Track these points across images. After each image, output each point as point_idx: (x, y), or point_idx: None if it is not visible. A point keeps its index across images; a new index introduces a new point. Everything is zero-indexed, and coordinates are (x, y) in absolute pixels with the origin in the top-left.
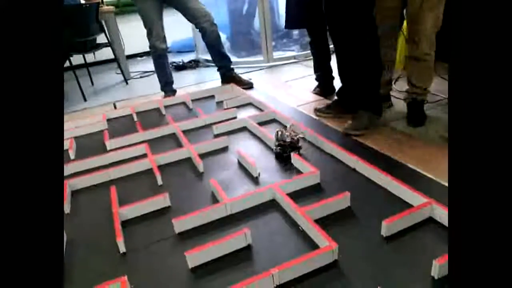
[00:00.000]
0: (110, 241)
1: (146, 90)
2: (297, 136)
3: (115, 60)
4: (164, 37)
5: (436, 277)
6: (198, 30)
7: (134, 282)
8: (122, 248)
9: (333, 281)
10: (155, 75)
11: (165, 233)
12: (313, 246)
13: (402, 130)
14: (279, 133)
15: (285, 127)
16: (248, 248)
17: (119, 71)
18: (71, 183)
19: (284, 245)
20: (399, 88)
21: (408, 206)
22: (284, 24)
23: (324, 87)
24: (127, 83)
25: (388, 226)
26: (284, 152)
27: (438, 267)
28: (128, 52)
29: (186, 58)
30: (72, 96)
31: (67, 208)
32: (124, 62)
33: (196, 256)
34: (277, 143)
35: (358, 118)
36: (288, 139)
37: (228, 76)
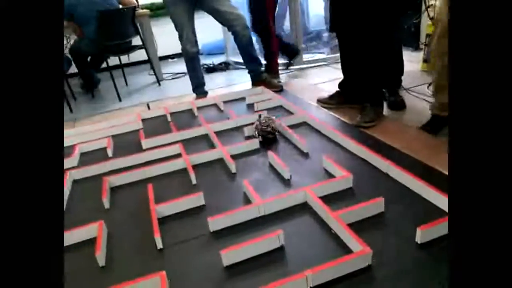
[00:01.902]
0: (147, 237)
1: (178, 91)
2: (273, 124)
3: (148, 61)
4: (196, 40)
5: None
6: (230, 33)
7: (170, 277)
8: (160, 245)
9: (366, 286)
10: (187, 77)
11: (200, 231)
12: (347, 250)
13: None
14: (258, 123)
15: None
16: (281, 249)
17: (152, 73)
18: (110, 180)
19: (316, 248)
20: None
21: (444, 213)
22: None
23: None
24: (159, 84)
25: (423, 233)
26: (266, 138)
27: None
28: (160, 54)
29: (217, 60)
30: (107, 96)
31: (106, 204)
32: (157, 64)
33: (231, 254)
34: (260, 132)
35: (365, 111)
36: (268, 128)
37: (259, 79)
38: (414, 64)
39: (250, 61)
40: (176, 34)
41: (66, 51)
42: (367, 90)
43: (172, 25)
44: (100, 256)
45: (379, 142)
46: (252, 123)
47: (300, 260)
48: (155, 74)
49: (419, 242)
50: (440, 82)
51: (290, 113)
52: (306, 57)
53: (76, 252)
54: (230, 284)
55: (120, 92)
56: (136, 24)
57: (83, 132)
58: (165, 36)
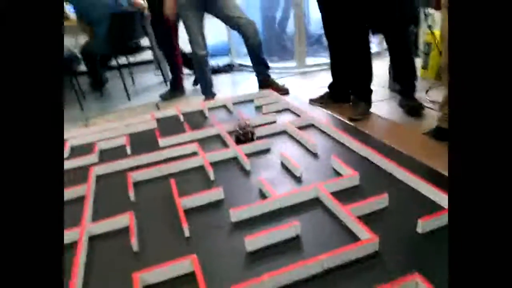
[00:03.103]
0: (175, 227)
1: (186, 92)
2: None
3: (152, 62)
4: (205, 44)
5: None
6: (241, 36)
7: (200, 261)
8: (187, 233)
9: (375, 267)
10: (193, 77)
11: (222, 222)
12: (356, 239)
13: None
14: (239, 125)
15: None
16: (297, 238)
17: (157, 73)
18: (133, 176)
19: (329, 238)
20: (431, 97)
21: (443, 209)
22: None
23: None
24: (166, 84)
25: (424, 224)
26: (245, 138)
27: None
28: None
29: (221, 61)
30: (116, 94)
31: (132, 197)
32: (164, 64)
33: (254, 241)
34: (241, 132)
35: (355, 106)
36: (248, 129)
37: (266, 82)
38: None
39: (258, 64)
40: (182, 36)
41: (76, 50)
42: (357, 89)
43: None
44: (134, 243)
45: (384, 144)
46: (262, 125)
47: (314, 248)
48: (162, 74)
49: (420, 232)
50: None
51: (297, 115)
52: (308, 60)
53: (109, 241)
54: (254, 266)
55: (128, 91)
56: (145, 26)
57: (100, 131)
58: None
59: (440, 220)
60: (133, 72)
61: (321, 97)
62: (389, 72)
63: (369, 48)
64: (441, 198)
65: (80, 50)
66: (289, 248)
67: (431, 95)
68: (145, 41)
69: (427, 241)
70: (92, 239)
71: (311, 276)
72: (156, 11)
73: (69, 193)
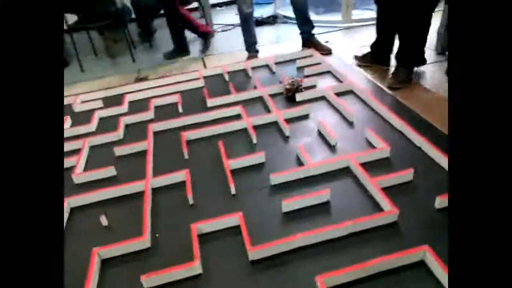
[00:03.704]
0: (222, 185)
1: (229, 46)
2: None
3: (197, 9)
4: (251, 1)
5: None
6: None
7: (244, 218)
8: (233, 191)
9: (392, 236)
10: (236, 30)
11: (263, 184)
12: (379, 208)
13: None
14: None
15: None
16: (327, 203)
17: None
18: (186, 135)
19: (354, 205)
20: None
21: None
22: None
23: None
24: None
25: (441, 200)
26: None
27: None
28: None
29: (265, 12)
30: (164, 46)
31: (186, 155)
32: (209, 15)
33: (289, 204)
34: (288, 87)
35: (396, 73)
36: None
37: (309, 41)
38: None
39: (303, 23)
40: None
41: (127, 1)
42: (403, 54)
43: None
44: (190, 197)
45: (420, 118)
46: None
47: (342, 213)
48: (206, 24)
49: (437, 207)
50: None
51: (338, 80)
52: (355, 14)
53: (169, 193)
54: (289, 225)
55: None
56: None
57: (154, 85)
58: None
59: None
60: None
61: (365, 56)
62: (438, 33)
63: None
64: None
65: (131, 2)
66: (319, 211)
67: None
68: None
69: (443, 217)
70: (155, 190)
71: (337, 237)
72: None
73: (133, 147)
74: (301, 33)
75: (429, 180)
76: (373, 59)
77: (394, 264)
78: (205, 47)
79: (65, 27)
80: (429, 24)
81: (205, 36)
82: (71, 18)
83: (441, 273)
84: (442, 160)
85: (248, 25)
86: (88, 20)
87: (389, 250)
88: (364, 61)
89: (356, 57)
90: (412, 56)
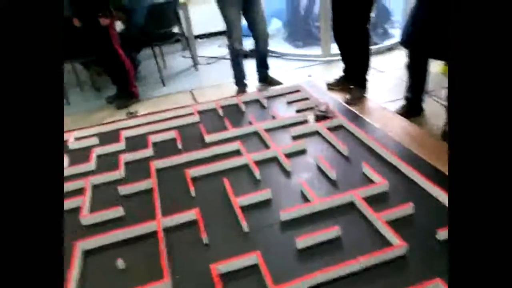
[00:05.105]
0: (233, 223)
1: (216, 79)
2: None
3: (179, 41)
4: (242, 38)
5: None
6: (254, 39)
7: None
8: (245, 228)
9: (402, 269)
10: (220, 62)
11: (273, 220)
12: (386, 242)
13: None
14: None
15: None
16: (338, 238)
17: (185, 55)
18: (191, 172)
19: (363, 240)
20: None
21: None
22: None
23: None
24: (196, 69)
25: (443, 233)
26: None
27: None
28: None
29: (246, 44)
30: (150, 79)
31: (192, 193)
32: (195, 50)
33: (304, 241)
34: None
35: (352, 92)
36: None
37: (265, 79)
38: (436, 66)
39: (262, 66)
40: (206, 16)
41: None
42: (354, 75)
43: (201, 8)
44: (205, 236)
45: (410, 152)
46: (296, 124)
47: (352, 248)
48: (193, 60)
49: (439, 239)
50: None
51: (323, 112)
52: (334, 47)
53: (181, 232)
54: (304, 263)
55: (162, 76)
56: (178, 13)
57: (149, 121)
58: (193, 17)
59: None
60: (158, 53)
61: (337, 81)
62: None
63: (367, 42)
64: None
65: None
66: (331, 246)
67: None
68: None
69: (445, 248)
70: (167, 230)
71: (351, 273)
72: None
73: (138, 186)
74: (258, 71)
75: (429, 212)
76: (346, 79)
77: None
78: (121, 103)
79: None
80: (366, 40)
81: (128, 94)
82: None
83: None
84: (438, 193)
85: (239, 61)
86: (73, 55)
87: (402, 283)
88: (336, 85)
89: (329, 84)
90: (358, 74)
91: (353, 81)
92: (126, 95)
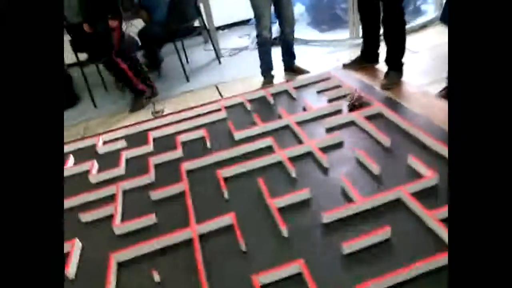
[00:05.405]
0: (271, 226)
1: (240, 71)
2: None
3: (200, 34)
4: (271, 27)
5: None
6: (280, 27)
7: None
8: (285, 233)
9: None
10: (243, 53)
11: (314, 222)
12: (442, 243)
13: None
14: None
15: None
16: (388, 240)
17: (206, 48)
18: (223, 172)
19: (415, 241)
20: None
21: None
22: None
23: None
24: (220, 62)
25: None
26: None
27: None
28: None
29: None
30: (173, 75)
31: (226, 195)
32: (217, 43)
33: (351, 246)
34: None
35: (389, 76)
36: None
37: (291, 69)
38: None
39: (288, 55)
40: (225, 5)
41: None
42: (390, 58)
43: None
44: (242, 243)
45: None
46: (330, 114)
47: (403, 251)
48: (216, 53)
49: None
50: None
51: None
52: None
53: (217, 239)
54: (349, 270)
55: (186, 72)
56: (198, 6)
57: (176, 120)
58: (213, 6)
59: None
60: (179, 47)
61: (354, 61)
62: None
63: (402, 22)
64: None
65: (138, 34)
66: (381, 250)
67: None
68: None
69: None
70: (202, 237)
71: (406, 280)
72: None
73: (169, 190)
74: (283, 61)
75: None
76: (363, 59)
77: None
78: (134, 105)
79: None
80: (402, 21)
81: (138, 93)
82: (82, 55)
83: None
84: None
85: (266, 50)
86: (96, 57)
87: None
88: (354, 65)
89: (345, 65)
90: (397, 57)
91: (370, 61)
92: (135, 95)
